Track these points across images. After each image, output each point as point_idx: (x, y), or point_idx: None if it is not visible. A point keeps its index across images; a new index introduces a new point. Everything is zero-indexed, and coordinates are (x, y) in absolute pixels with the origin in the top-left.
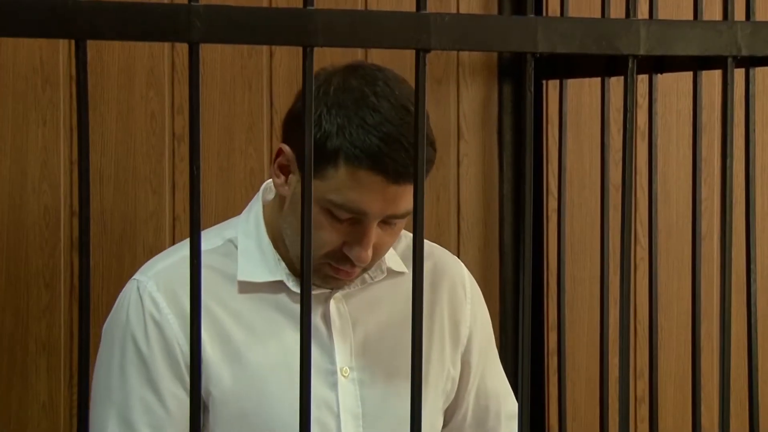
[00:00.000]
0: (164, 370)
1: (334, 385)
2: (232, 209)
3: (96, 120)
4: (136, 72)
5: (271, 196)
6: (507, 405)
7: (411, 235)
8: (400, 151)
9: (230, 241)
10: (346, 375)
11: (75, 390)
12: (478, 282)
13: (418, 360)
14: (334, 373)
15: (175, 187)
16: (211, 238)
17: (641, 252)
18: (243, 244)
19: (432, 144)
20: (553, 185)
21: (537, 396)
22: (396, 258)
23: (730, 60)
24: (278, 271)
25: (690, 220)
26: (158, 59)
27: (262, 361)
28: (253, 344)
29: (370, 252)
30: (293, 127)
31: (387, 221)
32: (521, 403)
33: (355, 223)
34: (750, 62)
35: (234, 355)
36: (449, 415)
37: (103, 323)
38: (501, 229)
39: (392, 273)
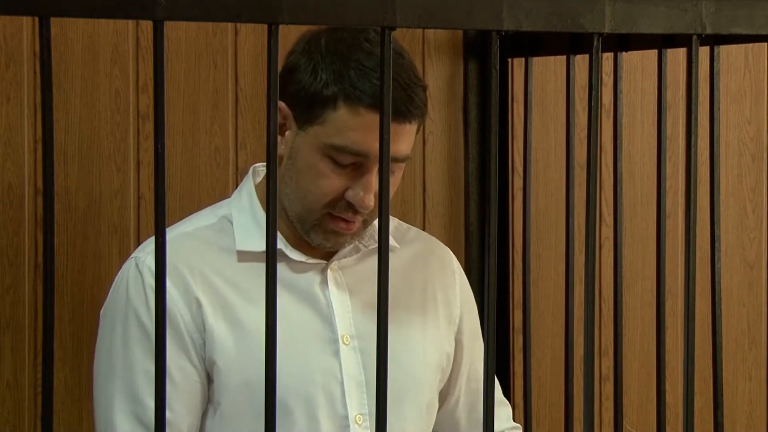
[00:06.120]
0: (167, 341)
1: (336, 353)
2: (196, 187)
3: (60, 98)
4: (101, 49)
5: (259, 178)
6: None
7: (397, 219)
8: (398, 89)
9: (224, 217)
10: (347, 343)
11: (39, 369)
12: None
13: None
14: (335, 341)
15: (140, 165)
16: (205, 217)
17: (606, 230)
18: (238, 219)
19: (425, 88)
20: (519, 163)
21: (502, 374)
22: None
23: (694, 38)
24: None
25: (655, 198)
26: (122, 36)
27: (264, 330)
28: (254, 314)
29: (372, 197)
30: (286, 80)
31: None
32: (486, 381)
33: (357, 168)
34: (714, 40)
35: (236, 325)
36: (442, 398)
37: (67, 301)
38: (466, 207)
39: None
